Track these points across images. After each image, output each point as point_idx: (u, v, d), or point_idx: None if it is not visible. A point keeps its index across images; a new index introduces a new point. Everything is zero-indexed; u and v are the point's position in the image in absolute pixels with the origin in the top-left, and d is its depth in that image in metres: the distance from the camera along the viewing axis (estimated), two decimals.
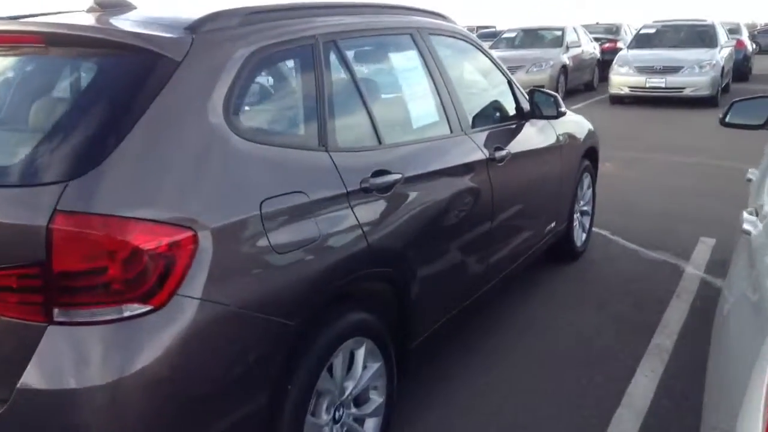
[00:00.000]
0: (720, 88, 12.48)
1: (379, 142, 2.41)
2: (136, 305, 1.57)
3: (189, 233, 1.63)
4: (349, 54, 2.40)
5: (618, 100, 12.88)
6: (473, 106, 3.24)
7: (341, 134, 2.24)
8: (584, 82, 15.38)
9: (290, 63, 2.29)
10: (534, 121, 3.62)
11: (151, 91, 1.74)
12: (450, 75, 2.99)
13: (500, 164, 3.10)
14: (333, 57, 2.33)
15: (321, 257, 1.97)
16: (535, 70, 13.27)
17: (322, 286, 1.99)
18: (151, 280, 1.58)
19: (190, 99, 1.80)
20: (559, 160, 3.92)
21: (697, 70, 12.03)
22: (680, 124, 10.55)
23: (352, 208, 2.12)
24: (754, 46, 19.72)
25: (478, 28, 28.40)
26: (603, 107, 12.83)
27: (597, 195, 4.87)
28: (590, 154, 4.58)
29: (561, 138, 3.93)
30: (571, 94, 14.31)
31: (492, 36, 19.27)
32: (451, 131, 2.89)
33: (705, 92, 11.93)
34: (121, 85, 1.79)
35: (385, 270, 2.30)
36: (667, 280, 4.17)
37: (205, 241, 1.66)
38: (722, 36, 13.60)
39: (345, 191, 2.11)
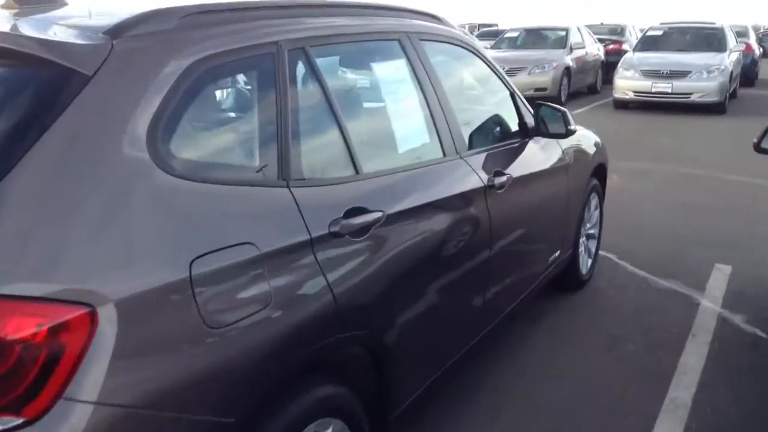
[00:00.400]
0: (728, 94, 12.09)
1: (356, 172, 2.00)
2: (5, 417, 1.16)
3: (82, 311, 1.22)
4: (322, 64, 1.98)
5: (622, 105, 12.47)
6: (470, 123, 2.84)
7: (307, 164, 1.83)
8: (587, 84, 14.96)
9: (243, 76, 1.89)
10: (538, 138, 3.21)
11: (47, 117, 1.32)
12: (444, 88, 2.58)
13: (500, 191, 2.69)
14: (300, 68, 1.91)
15: (272, 328, 1.56)
16: (537, 71, 12.84)
17: (274, 366, 1.57)
18: (26, 380, 1.17)
19: (101, 126, 1.39)
20: (566, 182, 3.52)
21: (705, 75, 11.62)
22: (687, 132, 10.15)
23: (317, 260, 1.71)
24: (761, 49, 19.33)
25: (480, 26, 27.97)
26: (607, 112, 12.43)
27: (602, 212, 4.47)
28: (599, 171, 4.17)
29: (567, 156, 3.53)
30: (573, 97, 13.91)
31: (494, 35, 18.84)
32: (445, 154, 2.48)
33: (713, 98, 11.52)
34: (10, 110, 1.38)
35: (359, 333, 1.89)
36: (681, 315, 3.77)
37: (108, 320, 1.24)
38: (731, 39, 13.19)
39: (309, 238, 1.71)
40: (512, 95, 3.17)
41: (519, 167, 2.94)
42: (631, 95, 12.16)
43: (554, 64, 12.95)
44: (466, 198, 2.47)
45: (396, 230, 2.01)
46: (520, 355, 3.34)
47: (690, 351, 3.36)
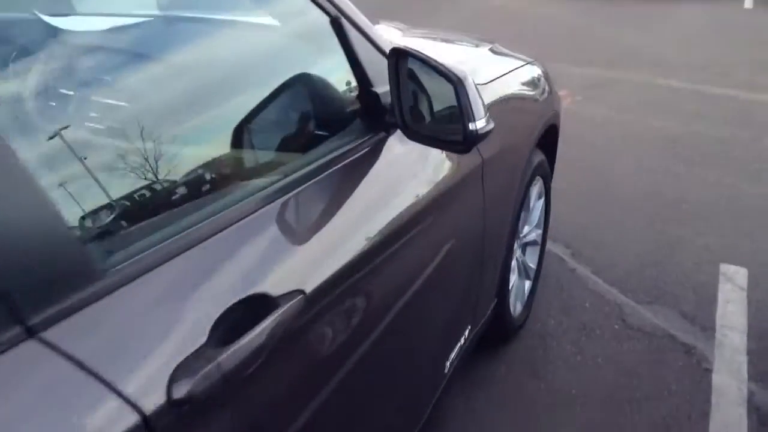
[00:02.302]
0: None
1: None
2: None
3: None
4: None
5: None
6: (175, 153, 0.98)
7: None
8: None
9: None
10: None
11: None
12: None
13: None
14: None
15: None
16: None
17: None
18: None
19: None
20: (480, 196, 1.69)
21: None
22: (648, 20, 8.26)
23: None
24: None
25: None
26: None
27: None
28: (547, 136, 2.36)
29: (483, 146, 1.67)
30: None
31: None
32: None
33: None
34: None
35: None
36: (685, 411, 2.12)
37: None
38: None
39: None
40: (337, 23, 1.24)
41: (359, 238, 1.12)
42: None
43: None
44: None
45: None
46: None
47: None
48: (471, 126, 1.12)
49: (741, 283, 2.77)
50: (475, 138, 1.14)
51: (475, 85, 1.14)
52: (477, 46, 2.32)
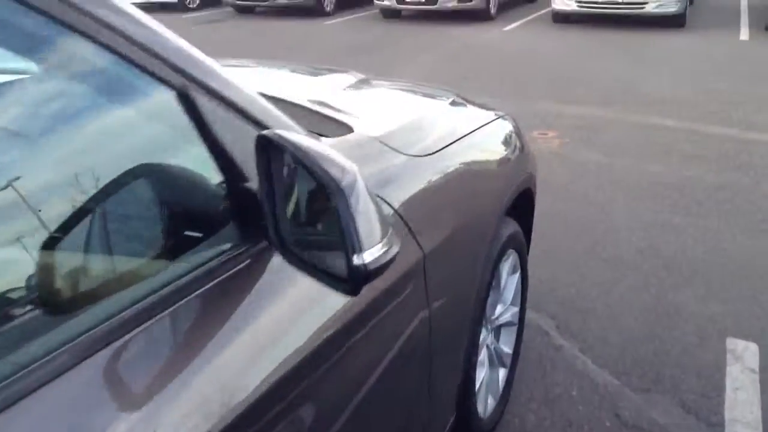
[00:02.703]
0: (688, 2, 9.94)
1: None
2: None
3: None
4: None
5: (563, 18, 10.20)
6: None
7: None
8: None
9: None
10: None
11: None
12: None
13: None
14: None
15: None
16: None
17: None
18: None
19: None
20: (424, 295, 1.33)
21: None
22: (642, 55, 8.00)
23: None
24: None
25: None
26: (544, 28, 10.16)
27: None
28: (522, 199, 2.01)
29: (426, 233, 1.32)
30: (504, 8, 11.54)
31: None
32: None
33: (672, 8, 9.36)
34: None
35: None
36: None
37: None
38: None
39: None
40: (185, 97, 0.88)
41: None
42: (573, 6, 9.88)
43: None
44: None
45: None
46: None
47: None
48: (356, 259, 0.76)
49: (751, 363, 2.40)
50: (364, 277, 0.78)
51: (369, 190, 0.78)
52: (435, 98, 1.98)
